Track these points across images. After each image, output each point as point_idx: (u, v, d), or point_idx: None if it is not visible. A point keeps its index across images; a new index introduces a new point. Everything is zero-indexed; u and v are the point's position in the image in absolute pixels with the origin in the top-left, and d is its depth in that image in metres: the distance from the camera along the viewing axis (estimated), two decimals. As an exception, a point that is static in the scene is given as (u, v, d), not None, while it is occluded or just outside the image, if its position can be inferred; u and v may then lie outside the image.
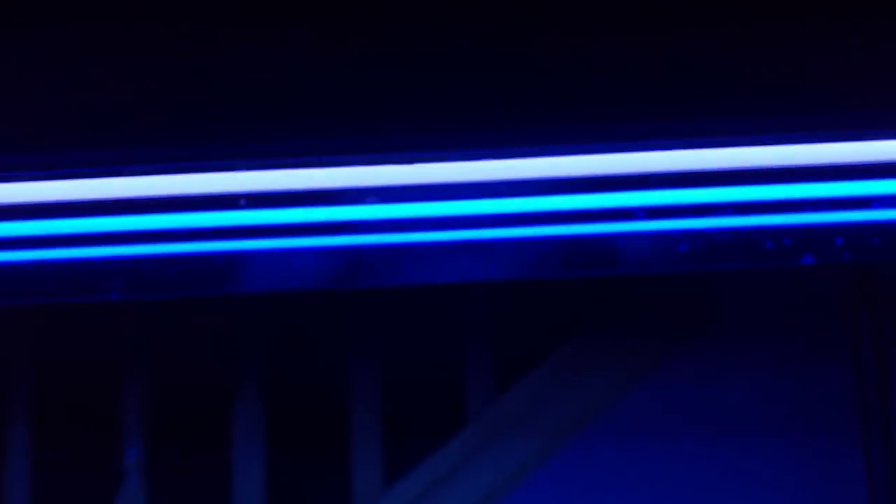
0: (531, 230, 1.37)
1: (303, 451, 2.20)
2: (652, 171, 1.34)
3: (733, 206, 1.33)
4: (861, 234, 1.34)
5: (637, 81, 1.44)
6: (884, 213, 1.33)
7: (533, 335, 2.11)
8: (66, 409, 2.09)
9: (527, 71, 1.48)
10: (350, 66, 1.48)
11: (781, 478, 1.89)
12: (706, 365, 1.93)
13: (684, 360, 1.95)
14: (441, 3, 1.48)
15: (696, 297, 1.94)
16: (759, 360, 1.91)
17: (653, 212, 1.32)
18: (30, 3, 1.47)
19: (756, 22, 1.49)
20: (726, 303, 1.94)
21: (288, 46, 1.50)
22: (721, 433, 1.95)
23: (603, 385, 2.00)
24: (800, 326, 1.89)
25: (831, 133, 1.37)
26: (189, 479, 2.13)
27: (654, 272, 1.50)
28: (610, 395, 2.00)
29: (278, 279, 1.40)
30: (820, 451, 1.88)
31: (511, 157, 1.37)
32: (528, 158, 1.38)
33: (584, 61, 1.46)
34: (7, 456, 2.03)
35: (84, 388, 2.12)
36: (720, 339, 1.94)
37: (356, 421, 2.06)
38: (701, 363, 1.93)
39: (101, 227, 1.30)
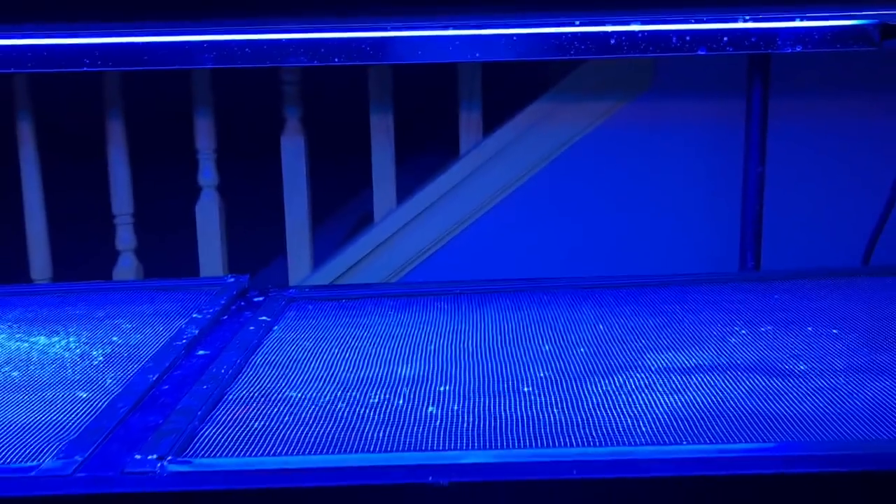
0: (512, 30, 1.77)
1: (335, 175, 2.45)
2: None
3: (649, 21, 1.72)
4: (741, 35, 1.75)
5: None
6: (755, 24, 1.74)
7: (514, 91, 2.34)
8: (155, 140, 2.33)
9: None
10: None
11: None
12: (645, 116, 2.23)
13: (627, 114, 2.24)
14: None
15: (639, 65, 2.18)
16: (684, 111, 2.20)
17: (590, 23, 1.74)
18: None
19: None
20: (662, 71, 2.19)
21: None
22: (653, 162, 2.25)
23: (567, 129, 2.26)
24: (714, 88, 2.18)
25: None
26: (250, 192, 2.37)
27: (592, 57, 1.90)
28: (572, 136, 2.26)
29: (322, 58, 1.80)
30: (715, 165, 2.22)
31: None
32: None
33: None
34: (110, 176, 2.28)
35: (168, 125, 2.34)
36: (656, 98, 2.22)
37: (375, 153, 2.31)
38: (640, 116, 2.22)
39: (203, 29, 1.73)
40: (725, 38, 1.73)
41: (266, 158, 2.32)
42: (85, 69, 1.73)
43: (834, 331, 1.40)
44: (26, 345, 1.40)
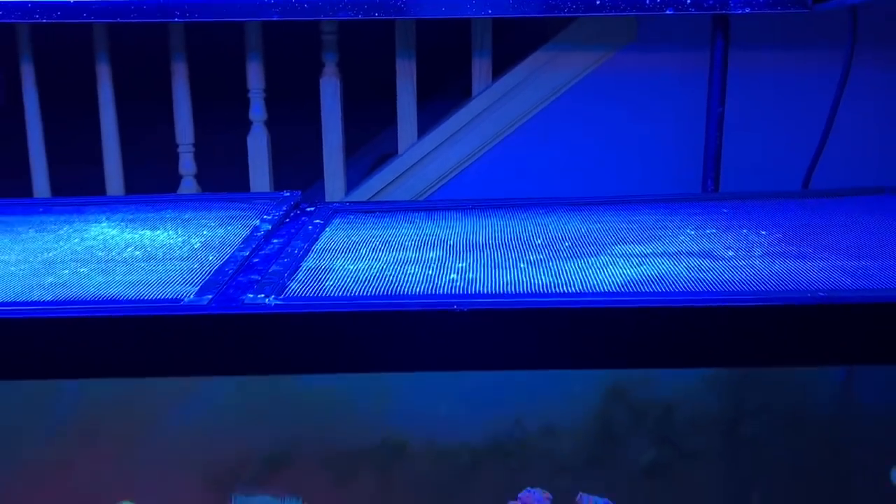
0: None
1: (366, 114, 2.75)
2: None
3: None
4: (702, -3, 2.12)
5: None
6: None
7: (519, 42, 2.61)
8: (213, 80, 2.61)
9: None
10: None
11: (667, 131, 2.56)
12: (630, 65, 2.52)
13: (615, 62, 2.52)
14: None
15: (626, 21, 2.46)
16: (662, 60, 2.51)
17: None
18: None
19: None
20: (644, 26, 2.48)
21: None
22: (636, 103, 2.55)
23: (565, 74, 2.52)
24: (687, 41, 2.47)
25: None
26: (293, 127, 2.63)
27: (582, 14, 2.24)
28: (569, 80, 2.52)
29: (365, 12, 2.15)
30: (685, 105, 2.49)
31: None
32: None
33: None
34: (174, 111, 2.53)
35: (224, 67, 2.63)
36: (640, 49, 2.50)
37: (399, 94, 2.53)
38: (626, 64, 2.51)
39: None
40: (688, 1, 2.10)
41: (307, 98, 2.55)
42: (176, 20, 2.08)
43: (763, 232, 1.76)
44: (137, 236, 1.79)
